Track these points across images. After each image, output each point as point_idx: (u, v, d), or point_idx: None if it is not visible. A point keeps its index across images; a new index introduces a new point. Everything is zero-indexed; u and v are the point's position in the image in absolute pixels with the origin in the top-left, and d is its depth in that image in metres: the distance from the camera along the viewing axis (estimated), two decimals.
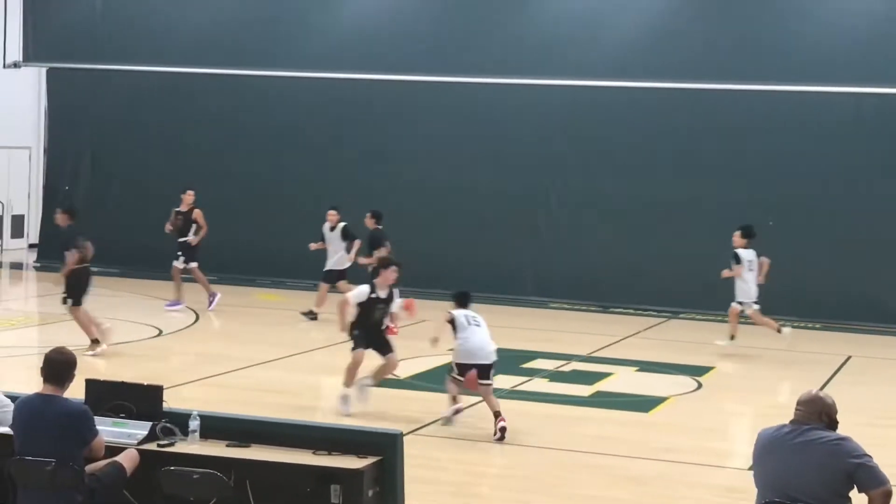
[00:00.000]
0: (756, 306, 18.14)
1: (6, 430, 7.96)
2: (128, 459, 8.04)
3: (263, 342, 17.33)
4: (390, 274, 13.02)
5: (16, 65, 25.64)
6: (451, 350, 12.71)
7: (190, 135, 24.80)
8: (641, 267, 22.16)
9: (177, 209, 20.10)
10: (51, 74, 26.30)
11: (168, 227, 20.21)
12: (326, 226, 19.73)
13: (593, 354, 17.51)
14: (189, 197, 20.07)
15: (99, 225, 24.39)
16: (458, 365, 12.53)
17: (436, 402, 13.55)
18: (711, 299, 21.71)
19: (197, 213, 19.96)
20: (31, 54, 25.65)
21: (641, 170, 22.43)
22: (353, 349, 12.96)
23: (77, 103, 25.80)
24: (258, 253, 23.72)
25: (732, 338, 18.08)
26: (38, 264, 25.58)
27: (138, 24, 25.04)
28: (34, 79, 27.36)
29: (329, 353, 16.91)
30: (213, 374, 14.42)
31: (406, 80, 23.37)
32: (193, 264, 20.02)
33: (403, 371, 15.33)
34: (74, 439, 7.69)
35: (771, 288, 21.52)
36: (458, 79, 23.13)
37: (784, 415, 7.20)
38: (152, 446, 8.29)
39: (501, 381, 14.95)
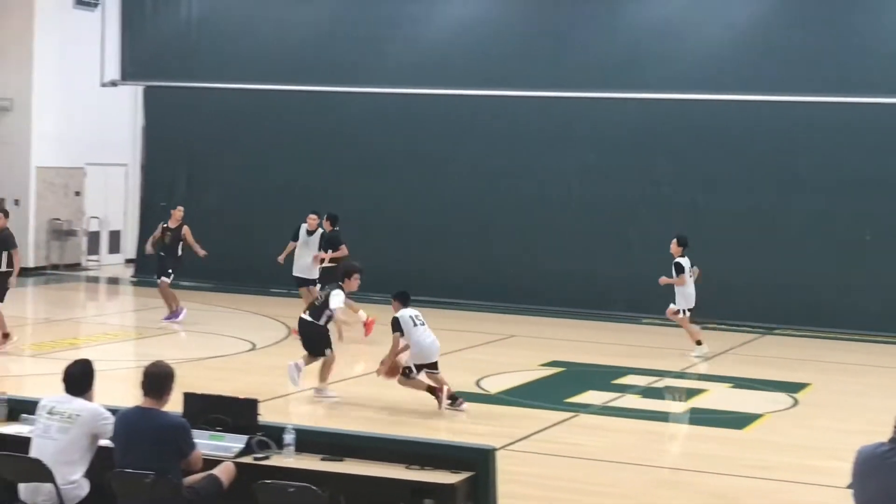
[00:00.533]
0: (688, 313, 18.43)
1: (107, 442, 8.11)
2: (224, 472, 8.15)
3: (355, 356, 17.42)
4: (356, 281, 14.28)
5: (113, 83, 26.12)
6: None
7: (284, 151, 25.03)
8: (734, 282, 21.89)
9: (164, 224, 20.32)
10: (147, 92, 26.74)
11: (149, 247, 20.57)
12: (303, 228, 19.50)
13: (686, 371, 17.37)
14: (179, 213, 20.28)
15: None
16: (418, 366, 13.60)
17: (528, 418, 13.55)
18: (808, 314, 21.48)
19: (185, 230, 20.15)
20: (129, 73, 26.11)
21: (736, 182, 22.18)
22: (331, 350, 14.24)
23: (173, 121, 26.21)
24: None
25: (699, 343, 18.36)
26: (135, 279, 26.00)
27: (232, 42, 25.35)
28: (131, 97, 27.85)
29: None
30: (306, 388, 14.53)
31: (499, 94, 23.36)
32: (166, 279, 20.05)
33: (494, 386, 15.36)
34: (173, 452, 7.82)
35: (868, 305, 21.23)
36: (548, 93, 23.06)
37: (883, 433, 7.10)
38: (248, 459, 8.39)
39: (593, 398, 14.95)
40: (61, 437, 8.01)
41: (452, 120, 23.97)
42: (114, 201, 28.63)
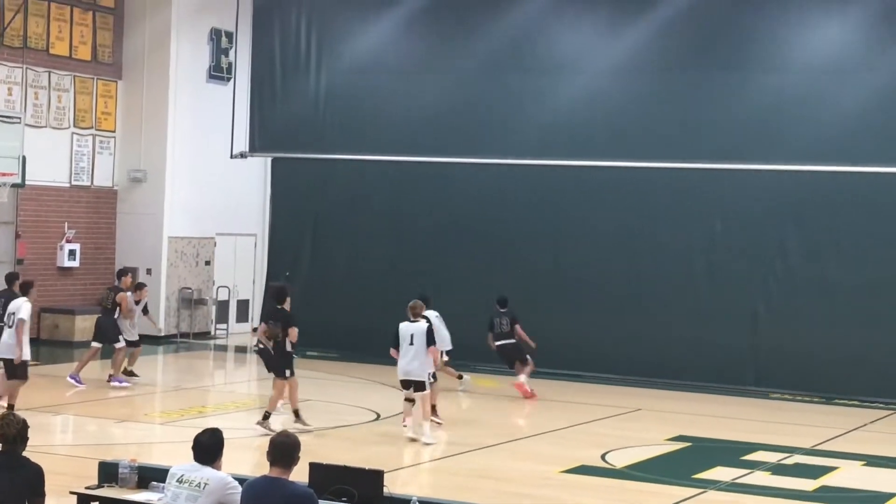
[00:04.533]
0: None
1: None
2: None
3: (480, 427, 17.34)
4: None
5: (242, 155, 26.56)
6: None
7: (410, 222, 25.13)
8: (868, 356, 21.38)
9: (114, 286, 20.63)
10: (275, 164, 27.20)
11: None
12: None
13: (817, 447, 16.93)
14: (128, 280, 20.64)
15: (318, 310, 24.99)
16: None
17: (655, 494, 13.34)
18: None
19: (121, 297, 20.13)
20: (257, 145, 26.55)
21: (867, 254, 21.68)
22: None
23: (299, 192, 26.53)
24: (476, 339, 23.70)
25: (461, 377, 20.41)
26: (259, 347, 26.26)
27: (359, 115, 25.55)
28: (260, 168, 28.36)
29: (544, 441, 16.82)
30: (430, 458, 14.49)
31: (619, 166, 23.19)
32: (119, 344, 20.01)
33: (620, 461, 15.16)
34: None
35: None
36: (674, 164, 22.80)
37: None
38: None
39: (721, 474, 14.64)
40: None
41: (576, 191, 23.83)
42: (242, 271, 29.07)
